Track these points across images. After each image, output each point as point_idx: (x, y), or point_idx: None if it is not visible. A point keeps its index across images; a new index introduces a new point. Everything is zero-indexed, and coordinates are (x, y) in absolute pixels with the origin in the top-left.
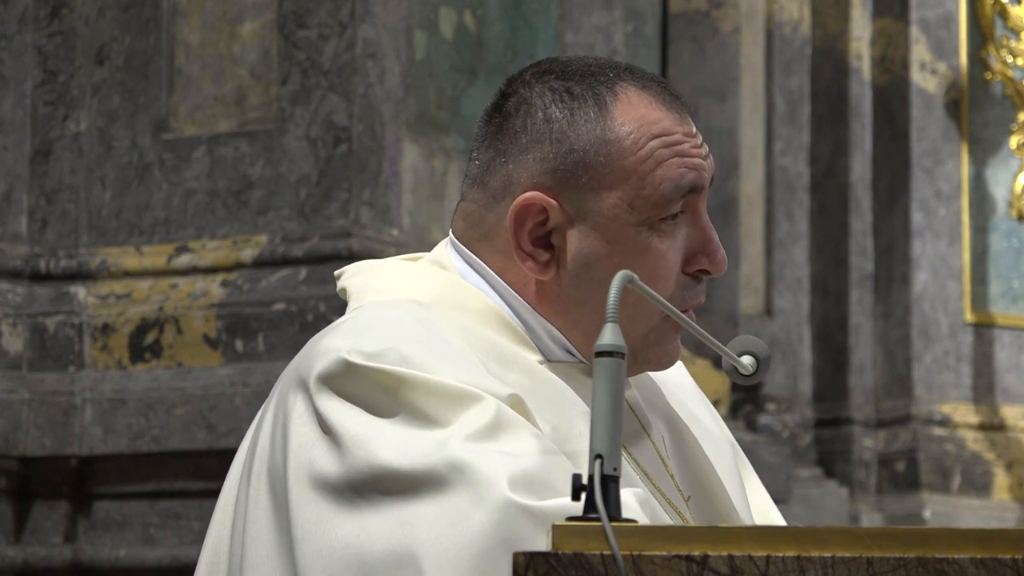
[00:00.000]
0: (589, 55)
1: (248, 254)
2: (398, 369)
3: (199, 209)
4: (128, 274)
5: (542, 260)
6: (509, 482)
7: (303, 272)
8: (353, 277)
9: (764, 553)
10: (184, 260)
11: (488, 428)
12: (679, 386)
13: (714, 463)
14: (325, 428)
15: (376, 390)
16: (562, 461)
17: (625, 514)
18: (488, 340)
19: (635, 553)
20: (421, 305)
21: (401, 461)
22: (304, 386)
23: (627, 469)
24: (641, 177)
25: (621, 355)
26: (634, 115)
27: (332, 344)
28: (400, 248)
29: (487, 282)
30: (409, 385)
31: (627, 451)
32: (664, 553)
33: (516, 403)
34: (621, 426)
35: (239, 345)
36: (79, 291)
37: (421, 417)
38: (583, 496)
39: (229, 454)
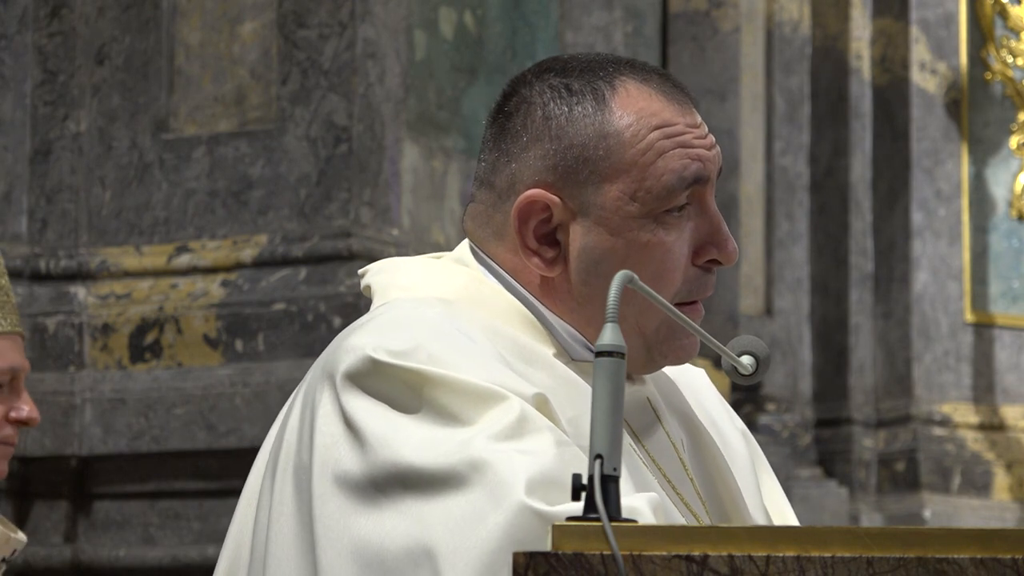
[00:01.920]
0: (592, 53)
1: (248, 254)
2: (423, 367)
3: (199, 209)
4: (128, 274)
5: (548, 257)
6: (527, 484)
7: (303, 272)
8: (377, 275)
9: (764, 553)
10: (184, 260)
11: (511, 428)
12: (699, 390)
13: (732, 467)
14: (350, 426)
15: (401, 388)
16: (584, 461)
17: (642, 521)
18: (512, 338)
19: (635, 553)
20: (446, 303)
21: (424, 460)
22: (331, 383)
23: (645, 472)
24: (642, 169)
25: (621, 355)
26: (634, 108)
27: (359, 342)
28: (400, 248)
29: (502, 282)
30: (434, 383)
31: (642, 445)
32: (664, 553)
33: (541, 402)
34: (621, 426)
35: (239, 345)
36: (79, 291)
37: (445, 415)
38: (583, 496)
39: (229, 454)
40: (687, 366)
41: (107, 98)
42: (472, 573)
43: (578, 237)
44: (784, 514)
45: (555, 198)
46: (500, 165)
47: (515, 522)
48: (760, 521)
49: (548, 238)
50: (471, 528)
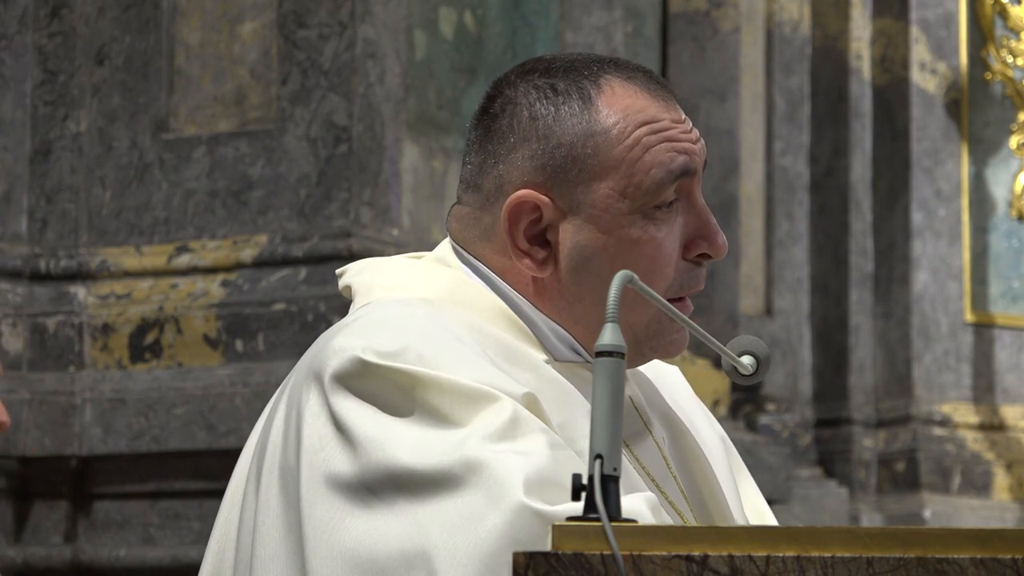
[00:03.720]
0: (573, 52)
1: (248, 254)
2: (414, 368)
3: (199, 209)
4: (128, 274)
5: (539, 257)
6: (524, 484)
7: (303, 272)
8: (358, 275)
9: (764, 553)
10: (184, 260)
11: (505, 428)
12: (675, 387)
13: (711, 465)
14: (340, 427)
15: (392, 389)
16: (577, 462)
17: (639, 521)
18: (496, 338)
19: (635, 553)
20: (430, 303)
21: (418, 461)
22: (318, 384)
23: (632, 473)
24: (630, 165)
25: (621, 355)
26: (619, 105)
27: (346, 343)
28: (400, 248)
29: (487, 282)
30: (425, 384)
31: (630, 451)
32: (664, 553)
33: (531, 402)
34: (621, 426)
35: (239, 345)
36: (79, 291)
37: (438, 417)
38: (583, 496)
39: (229, 454)
40: (661, 364)
41: (107, 98)
42: (469, 572)
43: (569, 236)
44: (762, 514)
45: (545, 198)
46: (487, 167)
47: (514, 522)
48: (740, 522)
49: (538, 238)
50: (469, 529)
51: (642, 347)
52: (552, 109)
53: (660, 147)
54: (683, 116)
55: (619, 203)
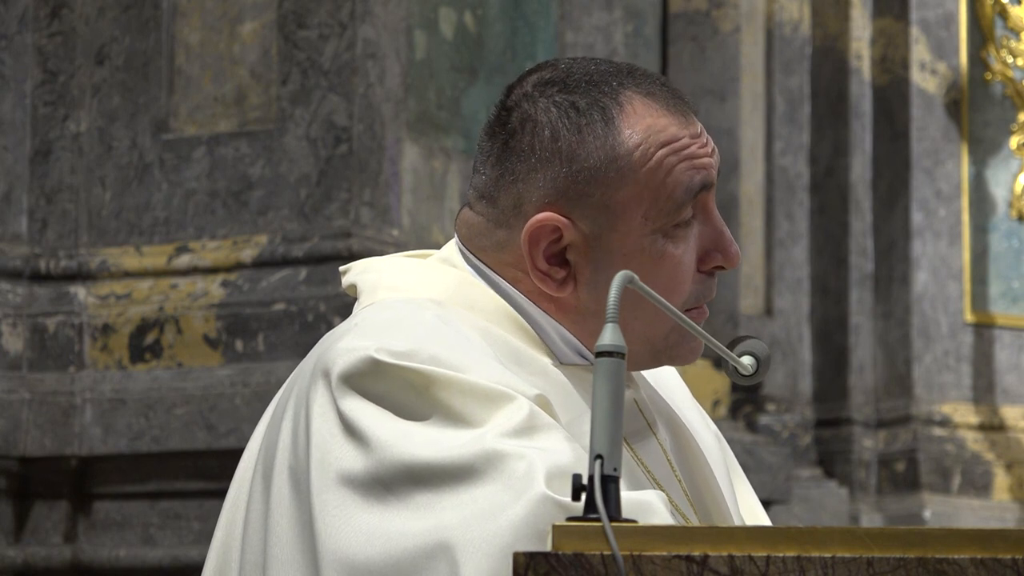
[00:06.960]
0: (588, 56)
1: (248, 254)
2: (429, 368)
3: (199, 209)
4: (128, 274)
5: (558, 278)
6: (546, 476)
7: (303, 272)
8: (362, 274)
9: (764, 553)
10: (184, 260)
11: (523, 426)
12: (672, 387)
13: (710, 465)
14: (349, 428)
15: (405, 389)
16: None
17: (654, 516)
18: (504, 340)
19: (635, 553)
20: (438, 304)
21: (435, 454)
22: (326, 384)
23: (637, 473)
24: (653, 188)
25: (621, 355)
26: (641, 125)
27: (357, 343)
28: (400, 248)
29: (493, 285)
30: (441, 384)
31: (632, 451)
32: (664, 553)
33: (543, 403)
34: (621, 426)
35: (239, 345)
36: (79, 291)
37: (454, 417)
38: (583, 496)
39: (229, 454)
40: None
41: (107, 98)
42: (491, 562)
43: (589, 257)
44: (756, 515)
45: (566, 220)
46: (504, 183)
47: (537, 512)
48: (737, 522)
49: (557, 258)
50: (491, 519)
51: (659, 356)
52: (575, 130)
53: (680, 167)
54: (699, 128)
55: (640, 225)
